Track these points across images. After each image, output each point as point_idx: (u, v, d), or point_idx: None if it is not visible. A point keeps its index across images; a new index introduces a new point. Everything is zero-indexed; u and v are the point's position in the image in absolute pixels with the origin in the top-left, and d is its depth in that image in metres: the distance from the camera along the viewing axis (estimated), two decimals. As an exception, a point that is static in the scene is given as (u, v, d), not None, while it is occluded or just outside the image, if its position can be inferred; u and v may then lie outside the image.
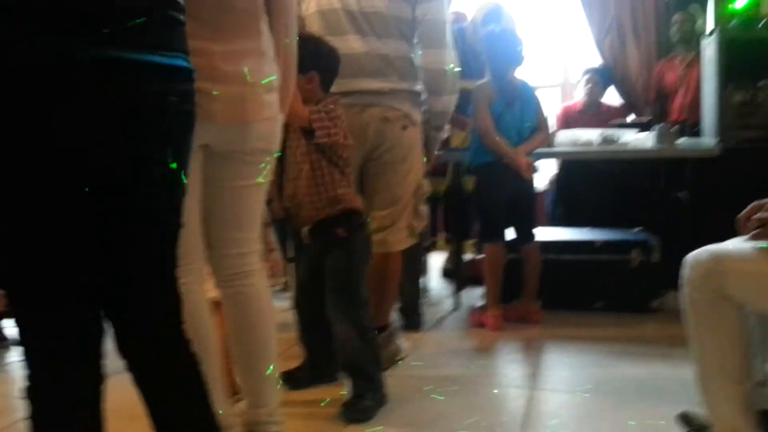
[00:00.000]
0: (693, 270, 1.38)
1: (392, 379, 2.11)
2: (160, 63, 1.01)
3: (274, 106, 1.51)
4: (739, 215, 1.38)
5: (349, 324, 1.89)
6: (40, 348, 1.01)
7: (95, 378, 1.06)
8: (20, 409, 1.05)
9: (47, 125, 0.91)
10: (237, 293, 1.53)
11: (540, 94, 4.57)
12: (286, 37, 1.55)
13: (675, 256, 1.54)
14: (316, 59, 1.86)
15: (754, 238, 1.33)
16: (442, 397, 1.99)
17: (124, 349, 1.09)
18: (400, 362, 2.33)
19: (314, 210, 1.88)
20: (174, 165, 1.09)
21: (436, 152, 2.44)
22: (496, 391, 2.06)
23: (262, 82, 1.46)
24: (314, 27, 2.14)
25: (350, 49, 2.10)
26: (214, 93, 1.35)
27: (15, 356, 2.41)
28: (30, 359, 1.01)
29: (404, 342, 2.45)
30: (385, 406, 1.91)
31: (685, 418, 1.60)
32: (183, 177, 1.12)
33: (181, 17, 1.07)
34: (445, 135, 2.51)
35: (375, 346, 1.97)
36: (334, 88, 2.11)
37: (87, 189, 0.97)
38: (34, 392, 1.01)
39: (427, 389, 2.06)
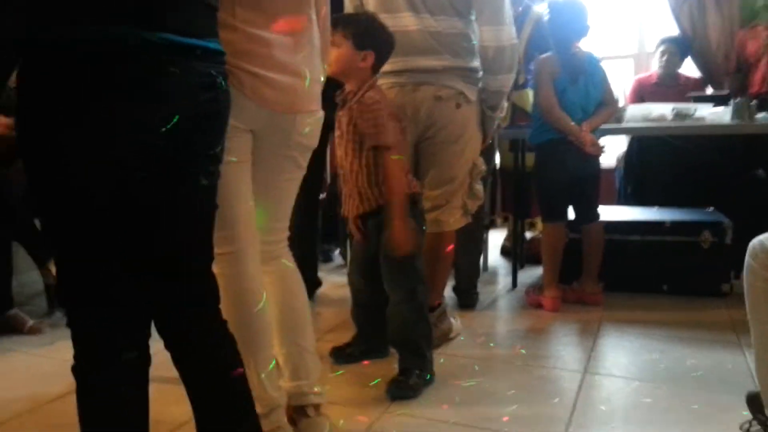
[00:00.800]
0: (756, 257, 1.29)
1: (442, 357, 2.13)
2: (205, 46, 1.04)
3: (319, 100, 1.55)
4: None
5: (403, 297, 1.91)
6: (91, 327, 1.06)
7: (143, 359, 1.11)
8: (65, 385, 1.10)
9: (100, 110, 0.95)
10: (270, 272, 1.57)
11: (611, 66, 4.42)
12: (324, 35, 1.60)
13: (749, 239, 1.46)
14: (373, 37, 1.87)
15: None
16: (491, 377, 1.98)
17: (162, 328, 1.14)
18: (452, 340, 2.32)
19: (372, 201, 1.91)
20: (218, 147, 1.13)
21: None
22: (546, 372, 2.03)
23: (313, 75, 1.49)
24: (369, 4, 2.13)
25: (403, 26, 2.08)
26: (271, 80, 1.38)
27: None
28: (80, 337, 1.06)
29: (458, 321, 2.45)
30: (432, 384, 1.92)
31: (753, 401, 1.51)
32: (220, 157, 1.15)
33: (213, 2, 1.10)
34: (503, 114, 2.44)
35: (427, 323, 1.98)
36: (386, 67, 2.10)
37: (142, 173, 1.01)
38: (83, 370, 1.07)
39: (477, 369, 2.05)
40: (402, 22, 2.09)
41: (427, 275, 2.19)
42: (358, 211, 1.94)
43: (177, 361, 1.15)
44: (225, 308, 1.34)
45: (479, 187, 2.29)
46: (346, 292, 2.26)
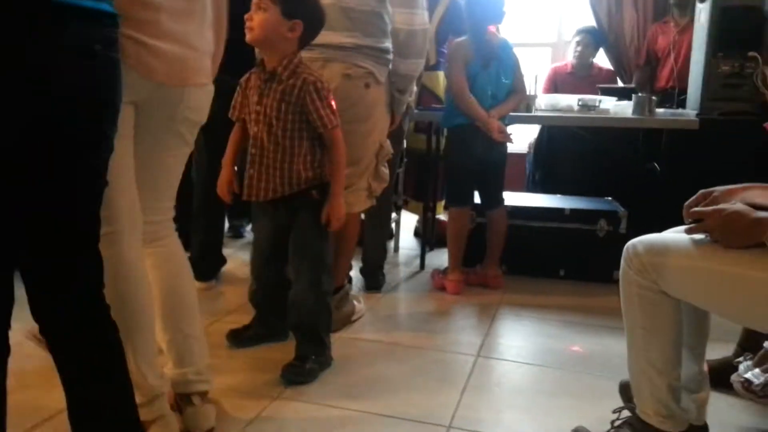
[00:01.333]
0: (630, 262, 1.35)
1: (341, 341, 2.13)
2: (84, 6, 0.96)
3: (209, 73, 1.48)
4: (686, 202, 1.35)
5: (307, 285, 1.89)
6: None
7: (2, 349, 1.04)
8: None
9: None
10: (153, 254, 1.51)
11: (530, 54, 4.50)
12: (220, 8, 1.52)
13: (641, 228, 1.52)
14: (303, 7, 1.78)
15: (689, 231, 1.30)
16: (387, 362, 2.00)
17: (38, 312, 1.08)
18: (353, 323, 2.33)
19: (287, 186, 1.85)
20: (100, 120, 1.05)
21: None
22: (441, 356, 2.07)
23: (203, 46, 1.42)
24: None
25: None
26: (157, 49, 1.30)
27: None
28: None
29: (361, 303, 2.46)
30: (328, 369, 1.92)
31: (624, 390, 1.60)
32: (110, 132, 1.08)
33: None
34: (411, 97, 2.44)
35: (328, 311, 1.97)
36: None
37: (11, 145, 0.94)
38: None
39: (374, 353, 2.07)
40: None
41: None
42: (275, 194, 1.85)
43: (53, 346, 1.09)
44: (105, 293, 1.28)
45: (385, 169, 2.29)
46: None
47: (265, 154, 1.84)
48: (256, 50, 2.00)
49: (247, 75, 1.91)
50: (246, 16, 1.79)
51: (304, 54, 2.05)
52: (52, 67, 0.94)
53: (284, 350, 1.98)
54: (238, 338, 2.09)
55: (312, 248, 1.90)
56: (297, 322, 1.93)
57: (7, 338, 1.05)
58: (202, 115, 1.49)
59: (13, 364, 1.07)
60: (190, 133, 1.49)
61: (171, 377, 1.54)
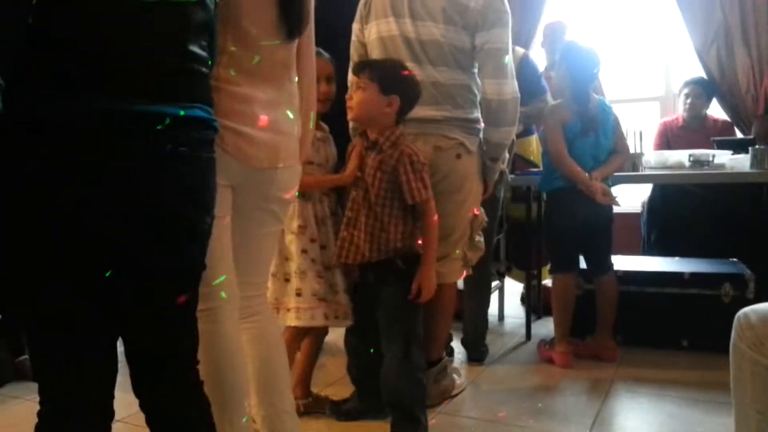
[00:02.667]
0: (742, 334, 1.21)
1: (440, 417, 2.06)
2: (172, 114, 1.04)
3: (297, 155, 1.56)
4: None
5: (397, 359, 1.85)
6: (57, 379, 1.06)
7: (107, 414, 1.11)
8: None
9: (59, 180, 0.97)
10: (249, 329, 1.55)
11: (637, 109, 4.34)
12: (309, 93, 1.61)
13: None
14: (401, 84, 1.86)
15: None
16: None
17: (137, 387, 1.15)
18: (453, 398, 2.25)
19: (375, 252, 1.86)
20: (195, 210, 1.13)
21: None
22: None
23: (292, 131, 1.52)
24: (374, 53, 2.15)
25: None
26: (252, 137, 1.41)
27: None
28: (46, 391, 1.06)
29: (461, 377, 2.37)
30: (424, 449, 1.85)
31: None
32: (205, 220, 1.16)
33: (203, 69, 1.13)
34: (503, 165, 2.40)
35: (421, 385, 1.89)
36: None
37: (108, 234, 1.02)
38: (45, 427, 1.07)
39: (474, 430, 1.98)
40: None
41: (427, 329, 2.14)
42: (362, 259, 1.87)
43: (148, 420, 1.15)
44: (203, 367, 1.34)
45: (480, 238, 2.24)
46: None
47: (359, 218, 1.87)
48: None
49: (352, 143, 2.02)
50: (347, 97, 1.92)
51: None
52: (132, 175, 1.02)
53: (383, 428, 1.93)
54: (338, 411, 2.08)
55: (400, 320, 1.86)
56: (389, 400, 1.89)
57: (111, 405, 1.12)
58: (291, 194, 1.57)
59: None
60: (281, 210, 1.57)
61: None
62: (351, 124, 2.13)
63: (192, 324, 1.19)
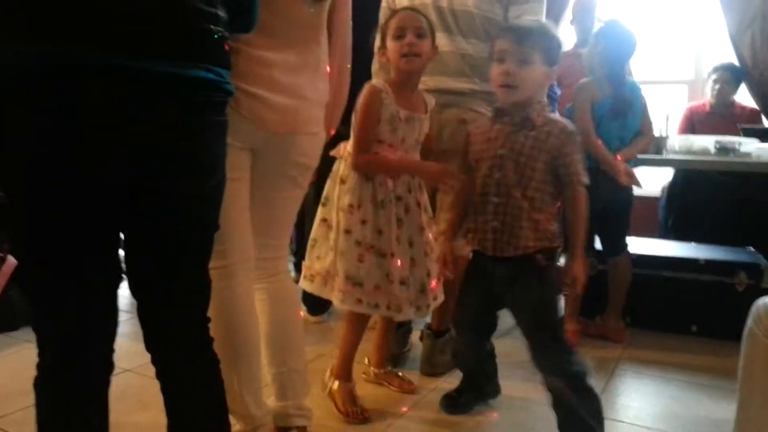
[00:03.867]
0: (760, 322, 1.22)
1: (445, 387, 2.09)
2: (175, 74, 1.02)
3: (320, 122, 1.55)
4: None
5: (559, 377, 1.63)
6: (57, 330, 1.07)
7: (107, 367, 1.13)
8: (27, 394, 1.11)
9: (69, 129, 0.97)
10: (266, 289, 1.59)
11: (665, 91, 4.26)
12: (342, 60, 1.60)
13: None
14: (558, 50, 1.65)
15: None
16: (491, 415, 1.93)
17: (149, 342, 1.18)
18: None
19: (532, 242, 1.62)
20: (192, 173, 1.12)
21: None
22: (549, 412, 1.96)
23: (315, 97, 1.50)
24: None
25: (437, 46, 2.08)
26: (269, 101, 1.40)
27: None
28: (45, 341, 1.08)
29: None
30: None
31: None
32: (205, 183, 1.15)
33: (210, 27, 1.08)
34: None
35: (592, 396, 1.64)
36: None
37: (115, 189, 1.04)
38: (45, 378, 1.09)
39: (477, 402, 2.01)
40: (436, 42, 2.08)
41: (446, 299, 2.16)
42: (524, 252, 1.61)
43: (158, 373, 1.18)
44: (212, 323, 1.37)
45: None
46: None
47: (516, 204, 1.62)
48: None
49: (470, 124, 1.87)
50: (510, 71, 1.63)
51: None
52: (152, 127, 1.02)
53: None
54: (454, 404, 1.98)
55: (550, 327, 1.64)
56: (564, 418, 1.65)
57: (111, 357, 1.14)
58: (312, 160, 1.57)
59: (136, 385, 1.15)
60: (302, 176, 1.57)
61: (273, 410, 1.59)
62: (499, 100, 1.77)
63: (203, 282, 1.20)
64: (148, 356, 1.18)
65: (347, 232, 1.81)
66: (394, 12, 1.81)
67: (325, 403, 1.94)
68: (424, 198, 1.95)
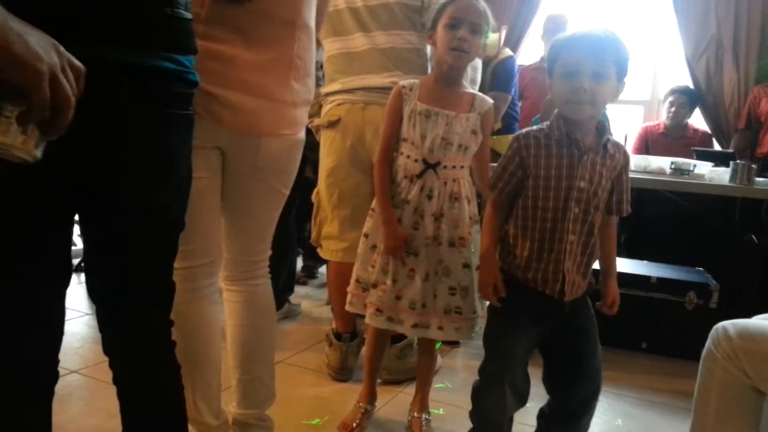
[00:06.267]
0: (719, 345, 1.23)
1: (401, 396, 2.06)
2: (129, 63, 0.95)
3: (296, 123, 1.46)
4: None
5: (588, 408, 1.58)
6: None
7: (51, 378, 1.07)
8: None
9: None
10: (240, 292, 1.53)
11: (621, 111, 4.35)
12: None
13: (735, 304, 1.39)
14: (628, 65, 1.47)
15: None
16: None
17: (107, 345, 1.11)
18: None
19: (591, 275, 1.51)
20: (161, 167, 1.06)
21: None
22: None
23: (288, 98, 1.42)
24: (321, 32, 1.99)
25: (354, 48, 2.07)
26: (226, 100, 1.33)
27: None
28: None
29: (438, 357, 2.32)
30: None
31: None
32: (175, 178, 1.09)
33: (171, 10, 0.99)
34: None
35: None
36: (339, 86, 2.08)
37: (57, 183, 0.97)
38: None
39: (435, 417, 1.98)
40: (353, 43, 2.08)
41: None
42: (590, 287, 1.51)
43: (115, 378, 1.12)
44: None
45: None
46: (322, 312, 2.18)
47: (587, 241, 1.45)
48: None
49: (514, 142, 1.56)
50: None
51: (347, 97, 2.07)
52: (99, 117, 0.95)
53: None
54: None
55: (597, 358, 1.53)
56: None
57: (56, 368, 1.07)
58: (285, 165, 1.48)
59: (87, 391, 1.09)
60: (277, 180, 1.48)
61: (234, 416, 1.53)
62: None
63: (165, 284, 1.14)
64: (99, 358, 1.11)
65: (365, 236, 1.77)
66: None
67: (287, 412, 1.88)
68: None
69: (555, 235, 1.41)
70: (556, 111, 1.44)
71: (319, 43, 1.75)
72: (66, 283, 1.07)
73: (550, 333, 1.48)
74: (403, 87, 1.72)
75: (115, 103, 0.96)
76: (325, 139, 2.18)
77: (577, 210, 1.40)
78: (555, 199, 1.40)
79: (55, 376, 1.07)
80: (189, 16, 1.04)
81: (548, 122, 1.45)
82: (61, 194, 0.99)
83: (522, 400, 1.53)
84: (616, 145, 1.46)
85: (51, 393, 1.07)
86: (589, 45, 1.37)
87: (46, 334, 1.05)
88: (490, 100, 1.76)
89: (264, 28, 1.35)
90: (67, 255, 1.06)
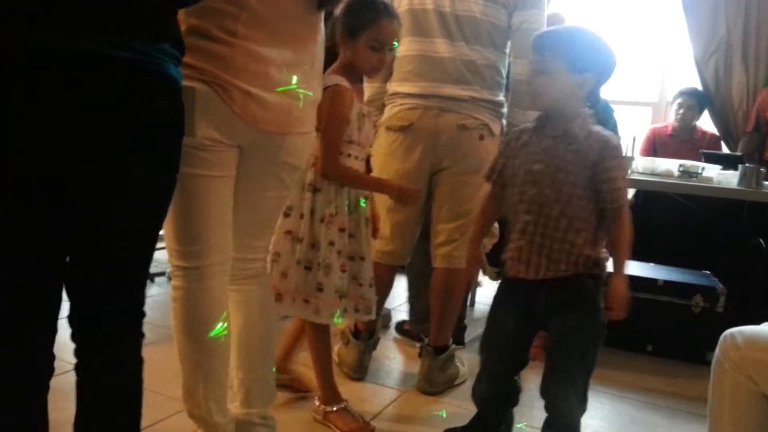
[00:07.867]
0: (726, 354, 1.22)
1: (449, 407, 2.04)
2: (100, 53, 0.96)
3: (312, 122, 1.50)
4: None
5: (575, 398, 1.60)
6: None
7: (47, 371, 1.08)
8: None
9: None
10: (242, 291, 1.53)
11: (629, 112, 4.34)
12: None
13: (741, 308, 1.38)
14: (594, 57, 1.53)
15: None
16: None
17: (75, 335, 1.12)
18: (458, 386, 2.23)
19: (564, 265, 1.53)
20: (135, 162, 1.06)
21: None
22: (503, 427, 1.94)
23: (308, 95, 1.45)
24: (403, 26, 2.00)
25: (436, 52, 2.06)
26: (263, 99, 1.35)
27: None
28: None
29: (464, 365, 2.33)
30: None
31: None
32: (151, 174, 1.10)
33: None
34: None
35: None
36: (414, 89, 2.07)
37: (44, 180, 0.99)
38: None
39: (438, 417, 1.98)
40: (435, 48, 2.06)
41: (437, 313, 2.14)
42: (554, 275, 1.53)
43: (76, 370, 1.13)
44: (180, 324, 1.32)
45: (494, 223, 2.17)
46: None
47: (546, 222, 1.52)
48: None
49: (507, 134, 1.81)
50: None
51: (421, 102, 2.06)
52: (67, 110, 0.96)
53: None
54: None
55: (587, 351, 1.57)
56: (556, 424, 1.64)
57: (51, 361, 1.09)
58: (301, 161, 1.53)
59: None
60: (289, 177, 1.51)
61: (237, 415, 1.53)
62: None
63: (136, 280, 1.15)
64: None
65: (331, 243, 1.73)
66: (377, 15, 1.70)
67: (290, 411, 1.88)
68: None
69: (515, 216, 1.56)
70: None
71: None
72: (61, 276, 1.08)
73: (540, 322, 1.62)
74: (348, 89, 1.72)
75: (88, 95, 0.96)
76: (389, 140, 2.13)
77: (533, 191, 1.51)
78: (517, 184, 1.55)
79: (50, 371, 1.08)
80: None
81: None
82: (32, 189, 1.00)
83: (514, 371, 1.71)
84: (596, 134, 1.51)
85: (46, 388, 1.08)
86: (535, 42, 1.54)
87: (44, 327, 1.06)
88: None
89: (292, 29, 1.39)
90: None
